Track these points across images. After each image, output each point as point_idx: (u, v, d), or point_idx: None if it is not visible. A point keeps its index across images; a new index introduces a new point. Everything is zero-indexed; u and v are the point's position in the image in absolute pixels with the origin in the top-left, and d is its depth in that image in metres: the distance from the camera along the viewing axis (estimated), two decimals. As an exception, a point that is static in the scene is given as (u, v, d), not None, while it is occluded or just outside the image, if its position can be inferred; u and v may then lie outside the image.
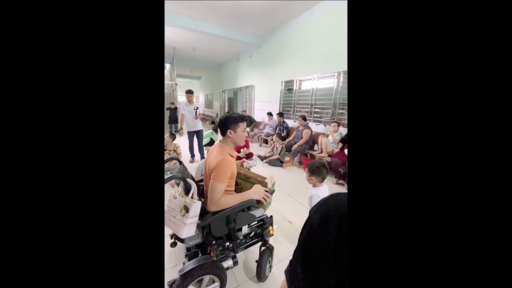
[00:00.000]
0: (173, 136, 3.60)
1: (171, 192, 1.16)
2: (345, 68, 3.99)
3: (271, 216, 1.53)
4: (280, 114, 5.33)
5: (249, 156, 3.83)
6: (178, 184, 1.29)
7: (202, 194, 1.48)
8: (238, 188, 1.58)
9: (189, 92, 4.16)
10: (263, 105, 7.28)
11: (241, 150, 3.74)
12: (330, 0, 4.30)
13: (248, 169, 1.89)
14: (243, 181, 1.60)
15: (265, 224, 1.48)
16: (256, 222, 1.46)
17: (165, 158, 1.37)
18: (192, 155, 4.50)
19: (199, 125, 4.27)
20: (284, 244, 1.91)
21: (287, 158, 4.63)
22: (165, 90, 8.13)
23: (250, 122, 7.25)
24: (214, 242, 1.26)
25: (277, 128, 5.47)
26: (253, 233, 1.50)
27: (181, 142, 4.08)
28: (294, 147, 4.37)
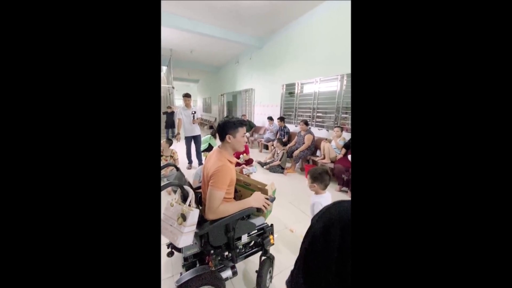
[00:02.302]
0: (170, 142, 3.57)
1: (168, 200, 1.15)
2: (349, 70, 3.99)
3: (271, 225, 1.51)
4: (281, 119, 5.32)
5: (248, 162, 3.81)
6: (175, 192, 1.27)
7: (200, 201, 1.47)
8: (238, 196, 1.56)
9: (187, 96, 4.13)
10: (263, 109, 7.27)
11: (241, 156, 3.72)
12: (333, 0, 4.27)
13: (248, 175, 1.87)
14: (242, 188, 1.59)
15: (265, 232, 1.46)
16: (256, 231, 1.44)
17: (161, 164, 1.35)
18: (190, 161, 4.49)
19: (197, 130, 4.27)
20: (285, 254, 1.89)
21: (288, 164, 4.60)
22: (162, 94, 8.18)
23: (250, 127, 7.24)
24: (212, 251, 1.24)
25: (278, 133, 5.44)
26: (253, 242, 1.47)
27: (178, 147, 4.05)
28: (296, 153, 4.33)
